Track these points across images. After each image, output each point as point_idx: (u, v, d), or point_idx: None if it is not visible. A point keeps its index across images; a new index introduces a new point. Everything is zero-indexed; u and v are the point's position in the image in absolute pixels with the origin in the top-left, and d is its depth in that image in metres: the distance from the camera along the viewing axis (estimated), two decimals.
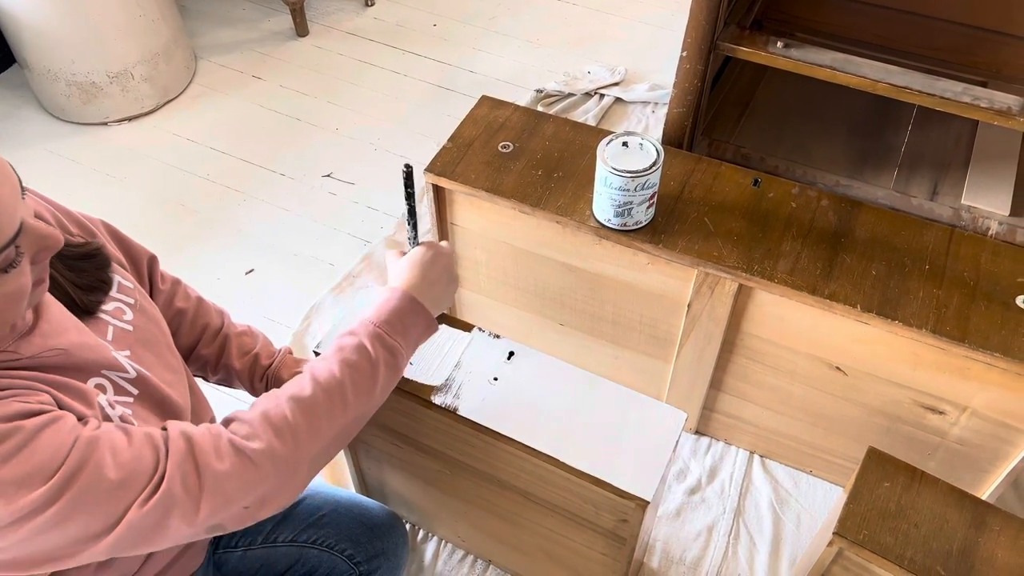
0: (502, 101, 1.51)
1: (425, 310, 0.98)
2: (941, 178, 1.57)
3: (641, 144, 1.26)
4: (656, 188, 1.26)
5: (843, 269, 1.24)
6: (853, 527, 0.99)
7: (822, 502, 1.51)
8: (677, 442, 1.07)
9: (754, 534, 1.48)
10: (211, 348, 1.18)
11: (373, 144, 2.19)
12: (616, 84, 2.29)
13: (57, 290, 0.85)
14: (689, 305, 1.34)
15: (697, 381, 1.47)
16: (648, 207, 1.28)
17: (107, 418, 0.81)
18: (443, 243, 1.08)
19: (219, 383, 1.23)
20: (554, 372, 1.13)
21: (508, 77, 2.36)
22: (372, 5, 2.60)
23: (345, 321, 1.16)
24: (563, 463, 1.05)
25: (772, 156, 1.60)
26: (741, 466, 1.56)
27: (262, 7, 2.62)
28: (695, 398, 1.51)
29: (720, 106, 1.73)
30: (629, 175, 1.21)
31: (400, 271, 1.02)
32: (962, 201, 1.52)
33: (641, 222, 1.30)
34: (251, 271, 1.90)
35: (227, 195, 2.07)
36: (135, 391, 0.88)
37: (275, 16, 2.58)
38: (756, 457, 1.57)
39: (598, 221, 1.31)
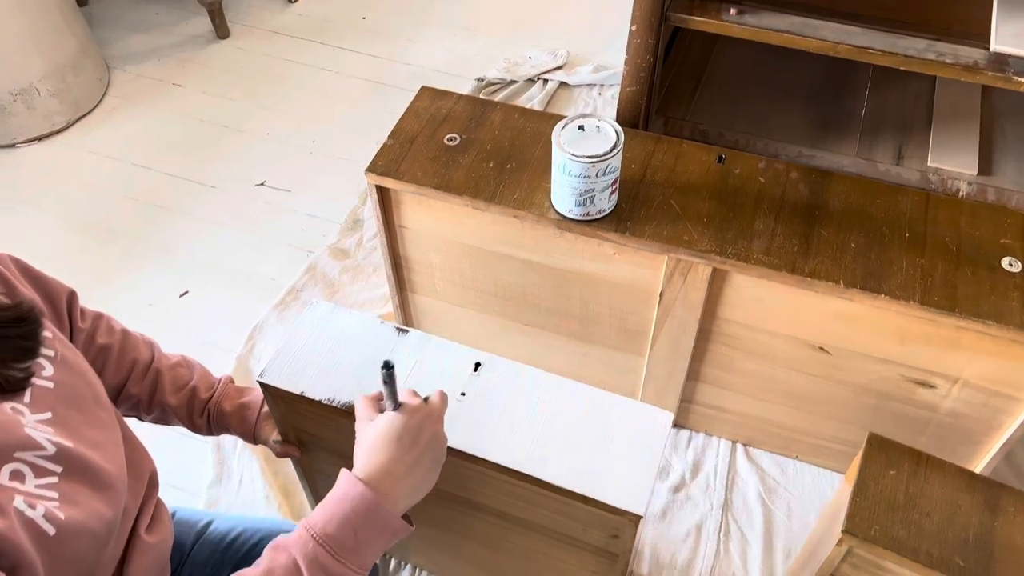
0: (444, 91, 1.41)
1: (391, 515, 0.76)
2: (905, 141, 1.52)
3: (598, 126, 1.17)
4: (618, 173, 1.17)
5: (821, 244, 1.17)
6: (862, 524, 0.91)
7: (811, 488, 1.45)
8: (664, 446, 0.98)
9: (745, 529, 1.41)
10: (142, 385, 1.06)
11: (308, 147, 2.06)
12: (559, 68, 2.20)
13: None
14: (661, 294, 1.26)
15: (673, 373, 1.39)
16: (611, 194, 1.19)
17: (26, 523, 0.68)
18: (432, 397, 0.85)
19: (155, 422, 1.11)
20: (526, 381, 1.03)
21: (446, 68, 2.25)
22: (295, 1, 2.46)
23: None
24: (544, 482, 0.95)
25: (731, 130, 1.53)
26: (725, 457, 1.48)
27: (177, 10, 2.45)
28: (672, 391, 1.43)
29: (672, 82, 1.65)
30: (589, 160, 1.12)
31: (367, 449, 0.78)
32: (928, 163, 1.47)
33: (604, 210, 1.21)
34: (186, 293, 1.76)
35: (154, 213, 1.92)
36: (58, 468, 0.75)
37: (192, 19, 2.42)
38: (739, 447, 1.50)
39: (558, 212, 1.22)
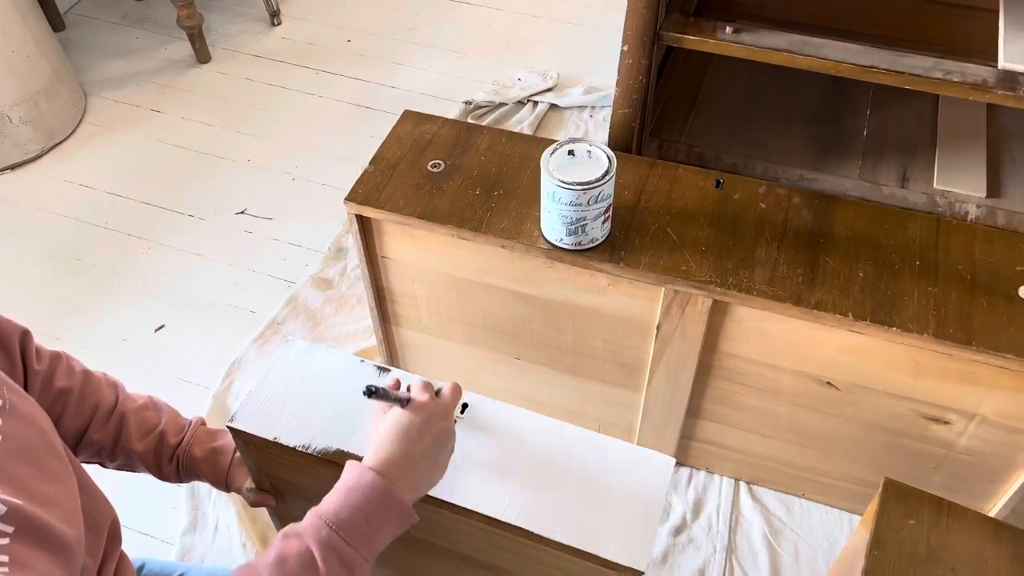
0: (428, 115, 1.34)
1: (401, 502, 0.77)
2: (909, 163, 1.46)
3: (589, 151, 1.10)
4: (611, 200, 1.10)
5: (827, 273, 1.11)
6: None
7: (819, 528, 1.37)
8: (666, 494, 0.91)
9: (750, 573, 1.33)
10: (105, 431, 0.99)
11: (290, 173, 2.00)
12: (549, 90, 2.14)
13: None
14: (658, 327, 1.19)
15: (672, 409, 1.32)
16: (604, 222, 1.12)
17: None
18: (443, 390, 0.86)
19: (120, 469, 1.04)
20: (516, 423, 0.96)
21: (433, 91, 2.19)
22: (279, 24, 2.41)
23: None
24: (537, 535, 0.88)
25: (728, 153, 1.47)
26: (728, 496, 1.41)
27: (157, 34, 2.40)
28: (671, 427, 1.36)
29: (665, 104, 1.60)
30: (580, 187, 1.05)
31: (378, 441, 0.80)
32: (935, 186, 1.41)
33: (597, 239, 1.14)
34: (161, 327, 1.69)
35: (129, 244, 1.85)
36: (9, 529, 0.67)
37: (172, 43, 2.36)
38: (743, 485, 1.42)
39: (549, 242, 1.15)
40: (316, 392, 0.98)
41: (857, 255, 1.12)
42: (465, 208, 1.20)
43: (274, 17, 2.39)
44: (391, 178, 1.24)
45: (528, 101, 2.12)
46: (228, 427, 0.97)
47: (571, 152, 1.11)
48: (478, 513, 0.89)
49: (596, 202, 1.08)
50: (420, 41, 2.36)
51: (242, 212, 1.91)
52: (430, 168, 1.26)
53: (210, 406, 1.54)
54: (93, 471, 0.88)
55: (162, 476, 1.04)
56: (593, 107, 2.09)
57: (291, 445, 0.94)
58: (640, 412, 1.36)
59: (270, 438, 0.94)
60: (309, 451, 0.93)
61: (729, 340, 1.18)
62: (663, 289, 1.13)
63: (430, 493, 0.90)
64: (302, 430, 0.95)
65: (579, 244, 1.13)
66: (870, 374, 1.12)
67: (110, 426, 0.99)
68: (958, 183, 1.41)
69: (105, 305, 1.73)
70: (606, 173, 1.06)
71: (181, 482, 1.06)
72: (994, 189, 1.40)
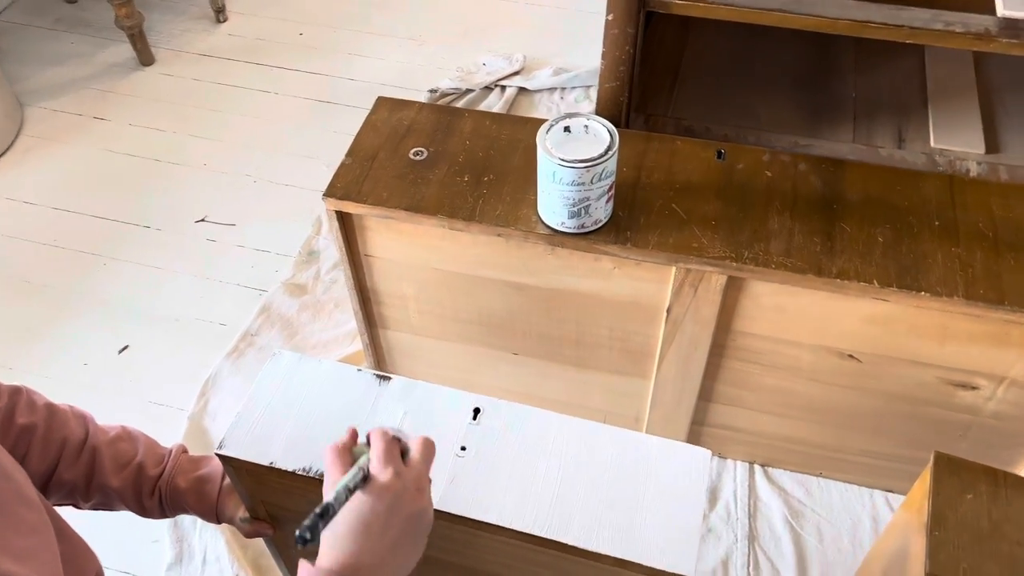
0: (404, 101, 1.25)
1: None
2: (903, 123, 1.42)
3: (586, 126, 1.03)
4: (614, 177, 1.03)
5: (845, 240, 1.05)
6: (949, 563, 0.78)
7: (840, 506, 1.32)
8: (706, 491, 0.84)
9: (775, 560, 1.27)
10: (76, 468, 0.89)
11: (250, 176, 1.88)
12: (516, 73, 2.06)
13: None
14: (668, 310, 1.12)
15: (684, 395, 1.25)
16: (607, 201, 1.05)
17: None
18: (412, 456, 0.70)
19: (96, 508, 0.94)
20: (535, 425, 0.88)
21: (395, 81, 2.09)
22: (224, 21, 2.28)
23: None
24: (573, 547, 0.80)
25: (718, 124, 1.41)
26: (743, 481, 1.35)
27: (94, 38, 2.25)
28: (682, 414, 1.29)
29: (647, 76, 1.52)
30: (583, 165, 0.98)
31: (333, 535, 0.65)
32: (932, 145, 1.37)
33: (600, 220, 1.07)
34: (125, 348, 1.57)
35: (82, 261, 1.72)
36: None
37: (111, 46, 2.22)
38: (757, 468, 1.36)
39: (548, 227, 1.07)
40: (312, 408, 0.89)
41: (874, 219, 1.07)
42: (455, 197, 1.11)
43: (219, 13, 2.26)
44: (371, 170, 1.15)
45: (495, 86, 2.03)
46: (217, 454, 0.87)
47: (567, 128, 1.03)
48: (506, 528, 0.81)
49: (600, 180, 1.00)
50: (375, 30, 2.25)
51: (202, 220, 1.79)
52: (412, 156, 1.17)
53: (186, 428, 1.43)
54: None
55: (144, 512, 0.95)
56: (563, 88, 2.02)
57: (290, 470, 0.85)
58: (648, 400, 1.29)
59: (265, 463, 0.85)
60: (311, 475, 0.84)
61: (744, 318, 1.11)
62: (674, 269, 1.06)
63: (451, 511, 0.82)
64: (301, 452, 0.86)
65: (582, 227, 1.05)
66: (894, 343, 1.07)
67: (81, 463, 0.90)
68: (956, 141, 1.36)
69: (61, 328, 1.60)
70: (608, 148, 0.99)
71: (165, 517, 0.96)
72: (992, 145, 1.36)
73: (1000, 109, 1.43)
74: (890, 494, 1.33)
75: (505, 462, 0.85)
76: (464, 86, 2.02)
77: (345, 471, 0.68)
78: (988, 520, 0.81)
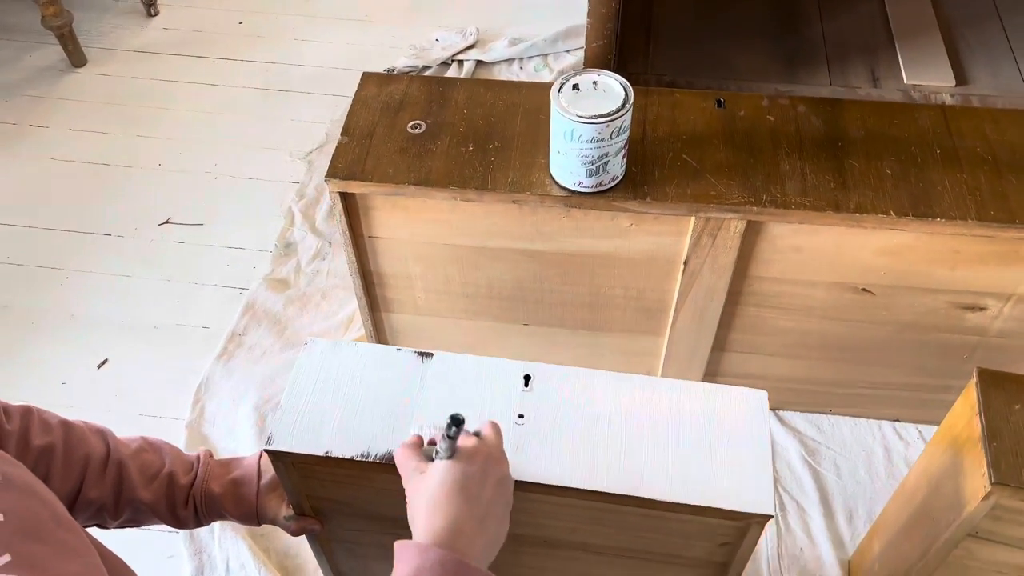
0: (391, 75, 1.22)
1: (478, 573, 0.63)
2: (875, 63, 1.45)
3: (595, 82, 1.02)
4: (629, 131, 1.02)
5: (856, 176, 1.06)
6: (1011, 471, 0.81)
7: (852, 440, 1.36)
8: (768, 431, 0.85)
9: (798, 498, 1.30)
10: (103, 485, 0.84)
11: (211, 173, 1.80)
12: (471, 47, 2.02)
13: None
14: (686, 262, 1.12)
15: (698, 347, 1.26)
16: (623, 156, 1.04)
17: None
18: (484, 432, 0.70)
19: (124, 526, 0.90)
20: (588, 385, 0.87)
21: (347, 63, 2.03)
22: (156, 14, 2.17)
23: None
24: (650, 500, 0.79)
25: (699, 77, 1.41)
26: None
27: (18, 41, 2.11)
28: (695, 367, 1.30)
29: (622, 36, 1.52)
30: (603, 120, 0.96)
31: (430, 505, 0.64)
32: (906, 81, 1.41)
33: (618, 177, 1.06)
34: (104, 362, 1.49)
35: (42, 277, 1.62)
36: None
37: (39, 49, 2.09)
38: (770, 413, 1.39)
39: (564, 188, 1.06)
40: (357, 393, 0.86)
41: (879, 153, 1.09)
42: (463, 167, 1.08)
43: (150, 7, 2.15)
44: (370, 147, 1.11)
45: (452, 61, 2.00)
46: (266, 451, 0.84)
47: (576, 86, 1.01)
48: (581, 490, 0.80)
49: (619, 134, 0.99)
50: (319, 13, 2.18)
51: (166, 222, 1.71)
52: (411, 130, 1.13)
53: (185, 438, 1.37)
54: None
55: (178, 524, 0.91)
56: (521, 59, 2.00)
57: (347, 456, 0.81)
58: (662, 357, 1.30)
59: (320, 454, 0.82)
60: (369, 459, 0.81)
61: (761, 263, 1.12)
62: (693, 219, 1.06)
63: (521, 479, 0.80)
64: (354, 438, 0.83)
65: (600, 185, 1.04)
66: (908, 272, 1.10)
67: (108, 479, 0.85)
68: (927, 76, 1.40)
69: (31, 349, 1.51)
70: (625, 101, 0.98)
71: (200, 525, 0.92)
72: (961, 77, 1.40)
73: (962, 43, 1.48)
74: (897, 423, 1.37)
75: (566, 424, 0.84)
76: (421, 63, 1.98)
77: (422, 459, 0.69)
78: None
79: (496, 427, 0.72)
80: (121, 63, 2.05)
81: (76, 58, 2.02)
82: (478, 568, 0.62)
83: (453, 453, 0.67)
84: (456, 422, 0.65)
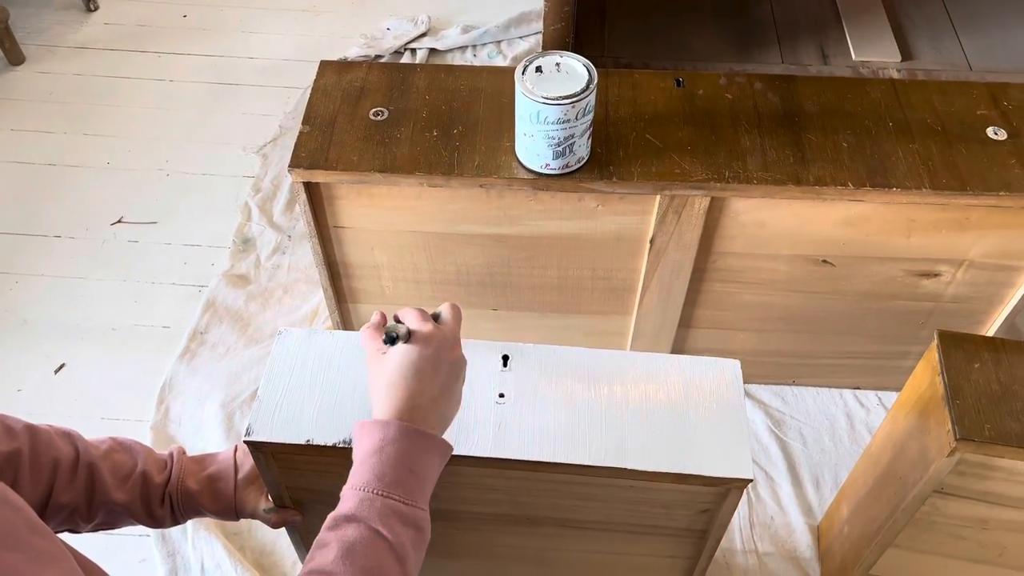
0: (349, 62, 1.21)
1: (436, 439, 0.70)
2: (824, 41, 1.48)
3: (558, 63, 1.02)
4: (594, 111, 1.03)
5: (814, 149, 1.09)
6: (974, 426, 0.84)
7: (815, 409, 1.39)
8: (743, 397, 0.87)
9: (766, 467, 1.33)
10: (74, 489, 0.83)
11: (163, 169, 1.76)
12: (423, 35, 2.01)
13: None
14: (652, 240, 1.14)
15: (665, 324, 1.28)
16: (588, 137, 1.05)
17: None
18: (443, 315, 0.75)
19: (97, 529, 0.88)
20: (565, 362, 0.89)
21: (297, 55, 2.00)
22: (96, 9, 2.11)
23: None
24: (633, 471, 0.81)
25: (655, 59, 1.43)
26: None
27: None
28: (662, 344, 1.32)
29: (578, 19, 1.53)
30: (568, 101, 0.97)
31: (388, 385, 0.70)
32: (855, 58, 1.44)
33: (583, 158, 1.07)
34: (62, 367, 1.45)
35: None
36: None
37: None
38: None
39: (531, 171, 1.06)
40: (334, 381, 0.86)
41: (835, 127, 1.12)
42: (429, 153, 1.08)
43: (89, 2, 2.09)
44: (333, 135, 1.10)
45: (405, 50, 1.98)
46: (246, 442, 0.83)
47: (539, 68, 1.02)
48: (565, 464, 0.81)
49: (584, 115, 1.00)
50: (265, 5, 2.15)
51: (118, 221, 1.67)
52: (373, 117, 1.12)
53: (151, 439, 1.34)
54: None
55: (155, 523, 0.89)
56: (474, 46, 1.99)
57: (329, 444, 0.81)
58: (630, 336, 1.31)
59: (302, 442, 0.81)
60: (351, 446, 0.81)
61: (725, 238, 1.14)
62: (658, 197, 1.08)
63: (505, 456, 0.81)
64: (335, 425, 0.83)
65: (566, 167, 1.05)
66: (866, 242, 1.13)
67: (78, 482, 0.83)
68: (874, 52, 1.44)
69: None
70: (589, 81, 0.99)
71: (177, 523, 0.91)
72: (906, 52, 1.45)
73: (905, 20, 1.52)
74: (858, 391, 1.41)
75: (546, 401, 0.85)
76: (373, 53, 1.96)
77: (383, 344, 0.73)
78: (998, 384, 0.88)
79: (455, 309, 0.76)
80: (62, 60, 1.99)
81: (13, 56, 1.95)
82: (433, 434, 0.69)
83: (410, 335, 0.71)
84: (391, 339, 0.70)
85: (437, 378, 0.70)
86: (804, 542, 1.25)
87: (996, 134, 1.11)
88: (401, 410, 0.68)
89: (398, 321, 0.73)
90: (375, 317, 0.76)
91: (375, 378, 0.72)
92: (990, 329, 1.25)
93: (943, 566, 1.04)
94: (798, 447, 1.35)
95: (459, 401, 0.75)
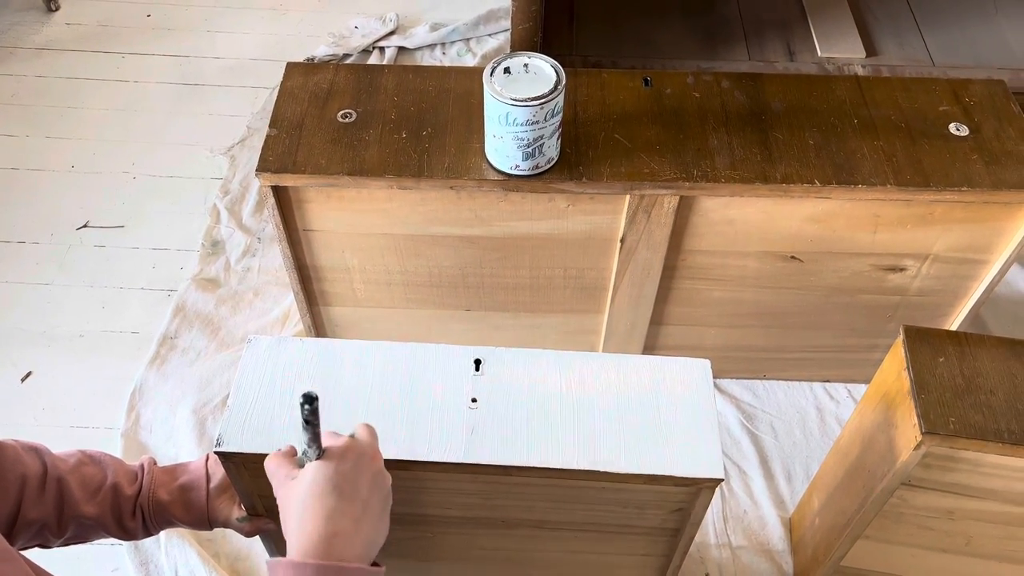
0: (316, 64, 1.20)
1: (360, 571, 0.61)
2: (790, 37, 1.50)
3: (526, 65, 1.02)
4: (563, 112, 1.03)
5: (781, 147, 1.10)
6: (939, 420, 0.85)
7: (786, 402, 1.41)
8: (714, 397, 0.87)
9: (738, 462, 1.34)
10: (43, 505, 0.82)
11: (128, 172, 1.74)
12: (392, 33, 2.00)
13: None
14: (622, 239, 1.14)
15: (636, 322, 1.29)
16: (558, 138, 1.05)
17: None
18: (358, 432, 0.69)
19: (68, 543, 0.87)
20: (537, 365, 0.88)
21: (264, 54, 1.98)
22: (57, 9, 2.07)
23: None
24: (604, 472, 0.81)
25: (623, 57, 1.43)
26: None
27: None
28: (634, 342, 1.33)
29: (546, 18, 1.52)
30: (537, 103, 0.97)
31: (301, 510, 0.62)
32: (820, 55, 1.45)
33: (553, 159, 1.07)
34: (28, 375, 1.43)
35: None
36: None
37: None
38: None
39: (501, 172, 1.06)
40: (303, 389, 0.85)
41: (800, 125, 1.13)
42: (397, 155, 1.08)
43: (50, 2, 2.05)
44: (300, 138, 1.09)
45: (373, 48, 1.97)
46: (216, 452, 0.82)
47: (507, 70, 1.02)
48: (538, 468, 0.81)
49: (552, 116, 1.00)
50: (230, 4, 2.12)
51: (84, 226, 1.64)
52: (341, 119, 1.12)
53: (122, 447, 1.32)
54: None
55: (126, 536, 0.88)
56: (443, 44, 1.99)
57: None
58: (603, 334, 1.32)
59: (272, 452, 0.81)
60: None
61: (694, 236, 1.15)
62: (628, 197, 1.08)
63: (479, 461, 0.81)
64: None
65: (536, 168, 1.05)
66: (833, 238, 1.14)
67: (48, 497, 0.82)
68: (839, 48, 1.46)
69: None
70: (557, 83, 0.99)
71: (150, 535, 0.90)
72: (870, 48, 1.46)
73: (869, 16, 1.54)
74: (827, 384, 1.43)
75: (519, 405, 0.85)
76: (341, 51, 1.94)
77: (294, 466, 0.66)
78: (962, 377, 0.89)
79: (369, 428, 0.70)
80: (23, 61, 1.95)
81: None
82: (359, 567, 0.60)
83: (322, 452, 0.64)
84: (308, 399, 0.61)
85: (358, 495, 0.63)
86: (776, 534, 1.26)
87: (958, 130, 1.12)
88: (318, 540, 0.60)
89: (309, 446, 0.65)
90: (285, 447, 0.70)
91: (287, 503, 0.63)
92: (955, 321, 1.28)
93: (912, 556, 1.06)
94: (770, 440, 1.37)
95: (387, 523, 0.66)
